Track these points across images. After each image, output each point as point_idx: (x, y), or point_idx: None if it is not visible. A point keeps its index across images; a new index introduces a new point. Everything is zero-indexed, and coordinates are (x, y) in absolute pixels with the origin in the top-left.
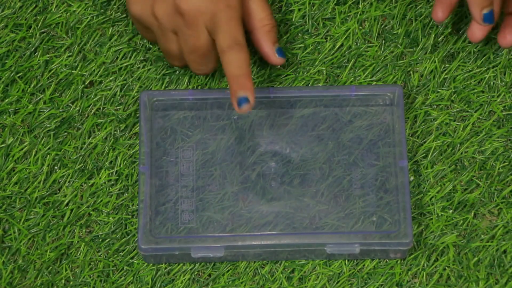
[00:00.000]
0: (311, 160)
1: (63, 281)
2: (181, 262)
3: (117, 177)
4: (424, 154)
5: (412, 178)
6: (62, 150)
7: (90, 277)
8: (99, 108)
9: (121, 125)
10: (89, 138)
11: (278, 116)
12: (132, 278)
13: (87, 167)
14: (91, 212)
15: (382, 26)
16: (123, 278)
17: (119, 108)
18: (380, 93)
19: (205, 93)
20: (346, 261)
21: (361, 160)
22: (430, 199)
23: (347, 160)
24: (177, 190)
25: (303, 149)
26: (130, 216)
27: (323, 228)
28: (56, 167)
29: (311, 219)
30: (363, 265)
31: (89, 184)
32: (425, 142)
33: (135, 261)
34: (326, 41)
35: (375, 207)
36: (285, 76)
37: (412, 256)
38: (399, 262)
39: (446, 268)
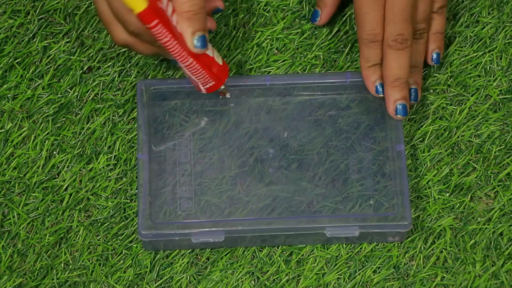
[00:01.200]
0: (308, 145)
1: (62, 264)
2: (180, 248)
3: (116, 162)
4: (421, 138)
5: (409, 162)
6: (61, 135)
7: (89, 261)
8: (97, 94)
9: (119, 110)
10: (87, 123)
11: (275, 102)
12: (131, 261)
13: (86, 152)
14: (90, 197)
15: None
16: (122, 261)
17: (117, 94)
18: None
19: None
20: (344, 244)
21: (358, 144)
22: (427, 183)
23: (344, 145)
24: (175, 176)
25: (300, 135)
26: (128, 201)
27: (321, 212)
28: (55, 152)
29: (309, 203)
30: (361, 248)
31: (88, 169)
32: (422, 126)
33: (133, 245)
34: (323, 26)
35: (372, 191)
36: (283, 61)
37: (409, 239)
38: (396, 245)
39: (443, 250)
